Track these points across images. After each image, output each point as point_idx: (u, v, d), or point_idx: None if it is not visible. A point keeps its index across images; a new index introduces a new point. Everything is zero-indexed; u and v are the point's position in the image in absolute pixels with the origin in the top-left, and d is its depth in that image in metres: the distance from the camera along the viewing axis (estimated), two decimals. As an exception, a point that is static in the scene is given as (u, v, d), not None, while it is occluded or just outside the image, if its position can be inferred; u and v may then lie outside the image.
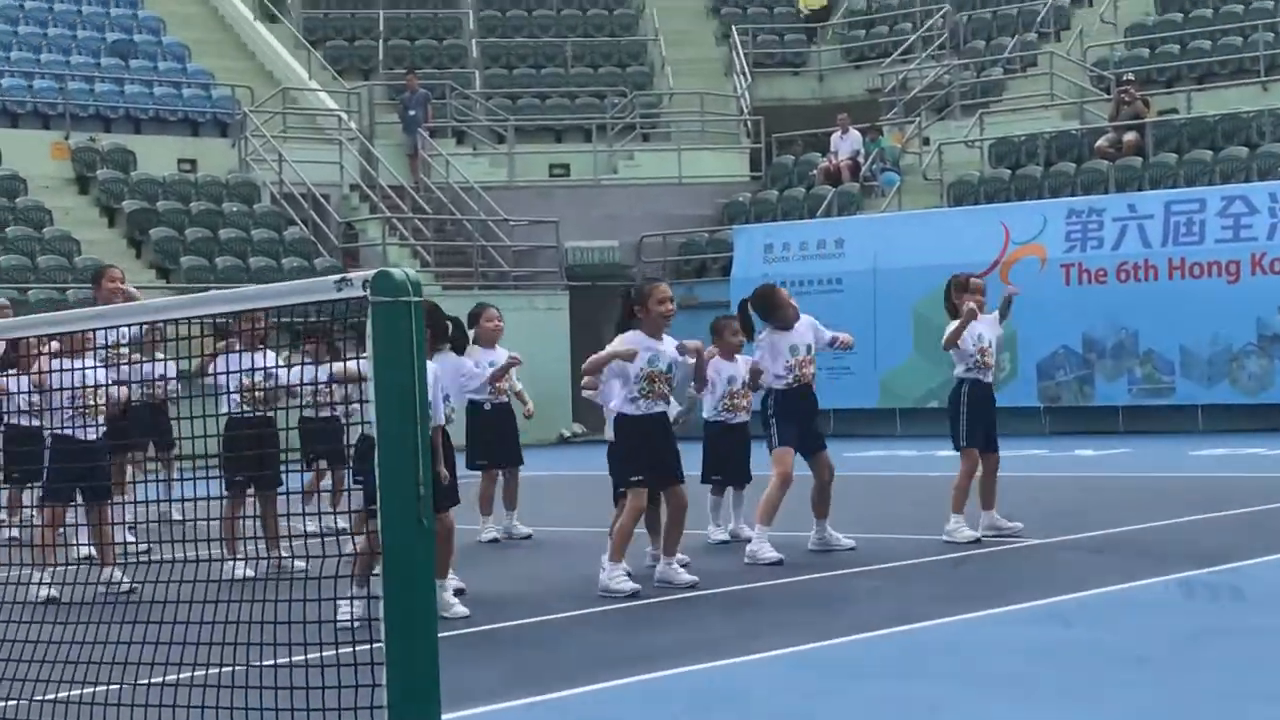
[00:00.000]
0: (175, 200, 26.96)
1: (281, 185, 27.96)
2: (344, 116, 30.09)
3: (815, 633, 8.29)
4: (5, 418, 12.76)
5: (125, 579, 9.59)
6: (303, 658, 5.23)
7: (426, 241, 28.38)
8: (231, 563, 9.99)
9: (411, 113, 30.04)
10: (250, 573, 10.02)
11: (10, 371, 11.87)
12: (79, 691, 5.84)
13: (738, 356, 11.93)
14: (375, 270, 4.97)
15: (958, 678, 7.09)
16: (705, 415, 12.03)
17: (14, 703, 5.93)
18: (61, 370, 9.72)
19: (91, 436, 10.17)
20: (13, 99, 28.16)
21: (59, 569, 9.90)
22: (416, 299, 4.96)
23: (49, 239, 24.95)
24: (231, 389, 10.35)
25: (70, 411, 10.08)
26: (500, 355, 12.66)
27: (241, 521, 10.61)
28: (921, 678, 7.16)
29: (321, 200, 27.84)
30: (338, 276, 5.05)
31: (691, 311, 25.02)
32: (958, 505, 11.59)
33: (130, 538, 11.12)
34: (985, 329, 11.84)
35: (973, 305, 11.67)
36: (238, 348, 10.27)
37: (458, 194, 29.17)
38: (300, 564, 10.06)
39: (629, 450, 9.83)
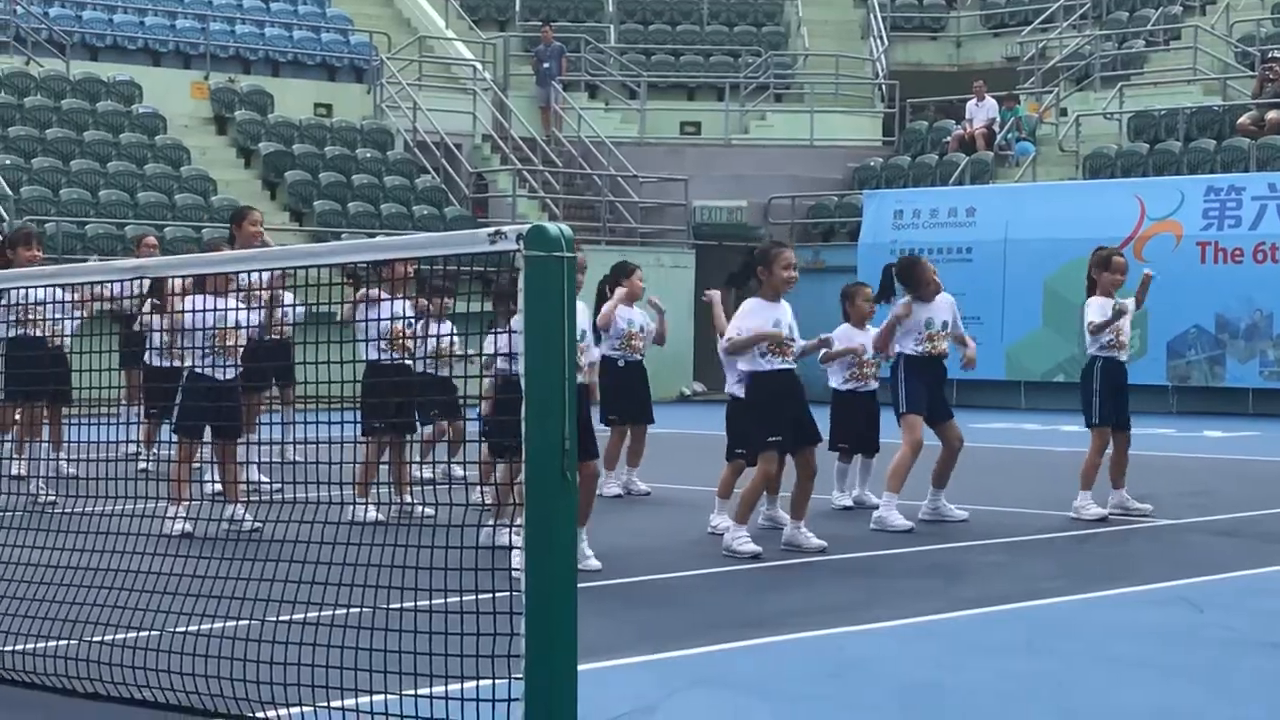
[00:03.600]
0: (310, 144, 27.26)
1: (415, 133, 28.18)
2: (479, 67, 30.24)
3: (938, 604, 8.27)
4: (147, 356, 13.06)
5: (250, 518, 9.74)
6: (441, 602, 5.31)
7: (556, 195, 28.48)
8: (362, 506, 10.12)
9: (546, 65, 30.13)
10: (380, 516, 10.13)
11: (150, 308, 12.06)
12: (210, 625, 5.97)
13: (868, 325, 11.90)
14: (529, 225, 5.02)
15: (1083, 657, 7.05)
16: (834, 384, 12.01)
17: (148, 634, 6.07)
18: (199, 311, 9.91)
19: (228, 375, 10.34)
20: (155, 37, 28.60)
21: (192, 504, 10.11)
22: (569, 254, 5.01)
23: (186, 177, 25.34)
24: (375, 335, 10.46)
25: (206, 350, 10.25)
26: (637, 313, 12.76)
27: (377, 466, 10.73)
28: (1047, 655, 7.12)
29: (454, 149, 28.04)
30: (492, 229, 5.11)
31: (818, 275, 24.97)
32: (1087, 483, 11.48)
33: (263, 478, 11.30)
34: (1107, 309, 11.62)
35: (1124, 306, 11.47)
36: (382, 294, 10.38)
37: (588, 148, 29.23)
38: (428, 511, 10.17)
39: (764, 410, 9.73)
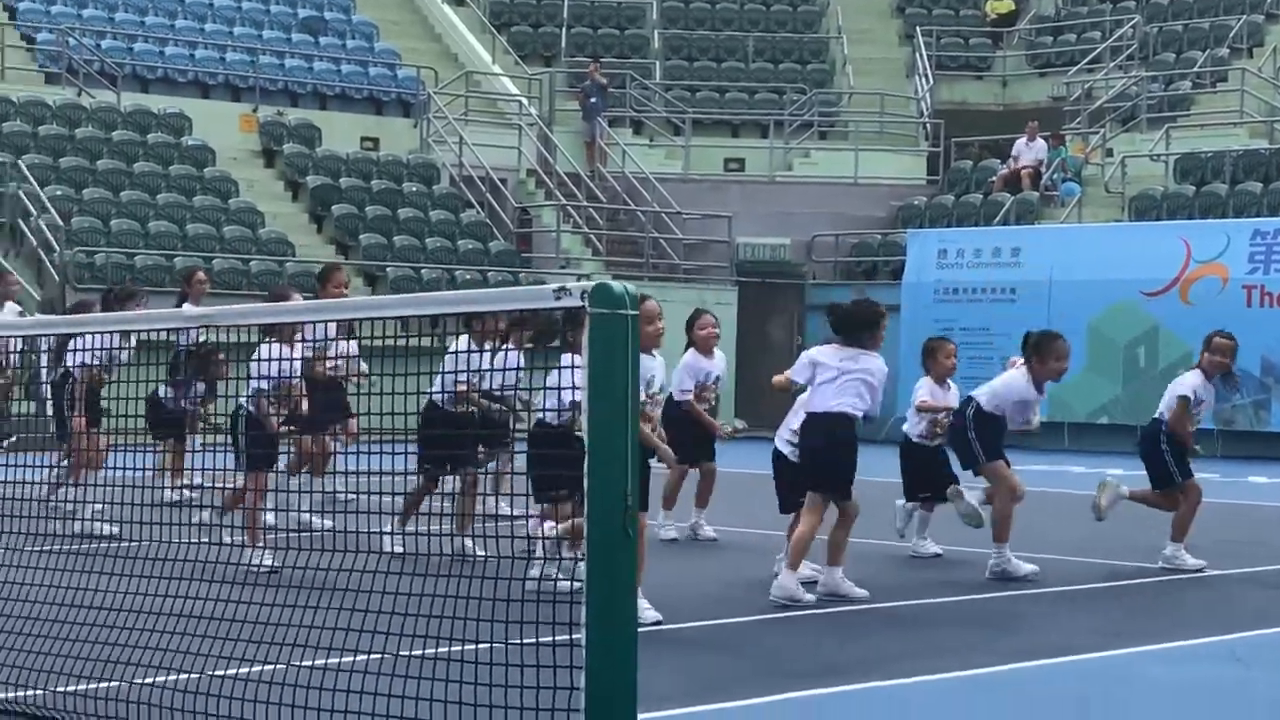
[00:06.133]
0: (357, 177, 27.44)
1: (460, 167, 28.34)
2: (524, 102, 30.42)
3: (987, 656, 8.25)
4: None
5: (270, 561, 9.58)
6: (502, 646, 5.34)
7: (599, 230, 28.59)
8: (389, 538, 10.00)
9: (591, 100, 30.27)
10: (401, 549, 9.98)
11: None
12: (257, 669, 5.99)
13: (950, 383, 11.73)
14: (595, 282, 5.08)
15: (1135, 715, 7.03)
16: (907, 429, 11.81)
17: (191, 676, 6.10)
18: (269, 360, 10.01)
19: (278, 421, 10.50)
20: (205, 70, 28.87)
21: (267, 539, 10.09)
22: (633, 312, 5.06)
23: (234, 210, 25.53)
24: (443, 385, 10.53)
25: (271, 395, 10.37)
26: (718, 361, 12.66)
27: (419, 501, 10.71)
28: (1098, 713, 7.10)
29: (499, 184, 28.18)
30: (556, 285, 5.16)
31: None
32: (1179, 534, 11.40)
33: (316, 519, 11.32)
34: (1204, 392, 11.47)
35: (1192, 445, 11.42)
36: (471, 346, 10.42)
37: (632, 184, 29.34)
38: (479, 552, 10.15)
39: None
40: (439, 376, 10.61)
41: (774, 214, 29.12)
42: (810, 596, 9.60)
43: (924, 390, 11.60)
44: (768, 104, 32.25)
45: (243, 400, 10.53)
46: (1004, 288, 24.93)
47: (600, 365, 5.01)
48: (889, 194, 29.94)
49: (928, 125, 31.47)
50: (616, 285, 5.06)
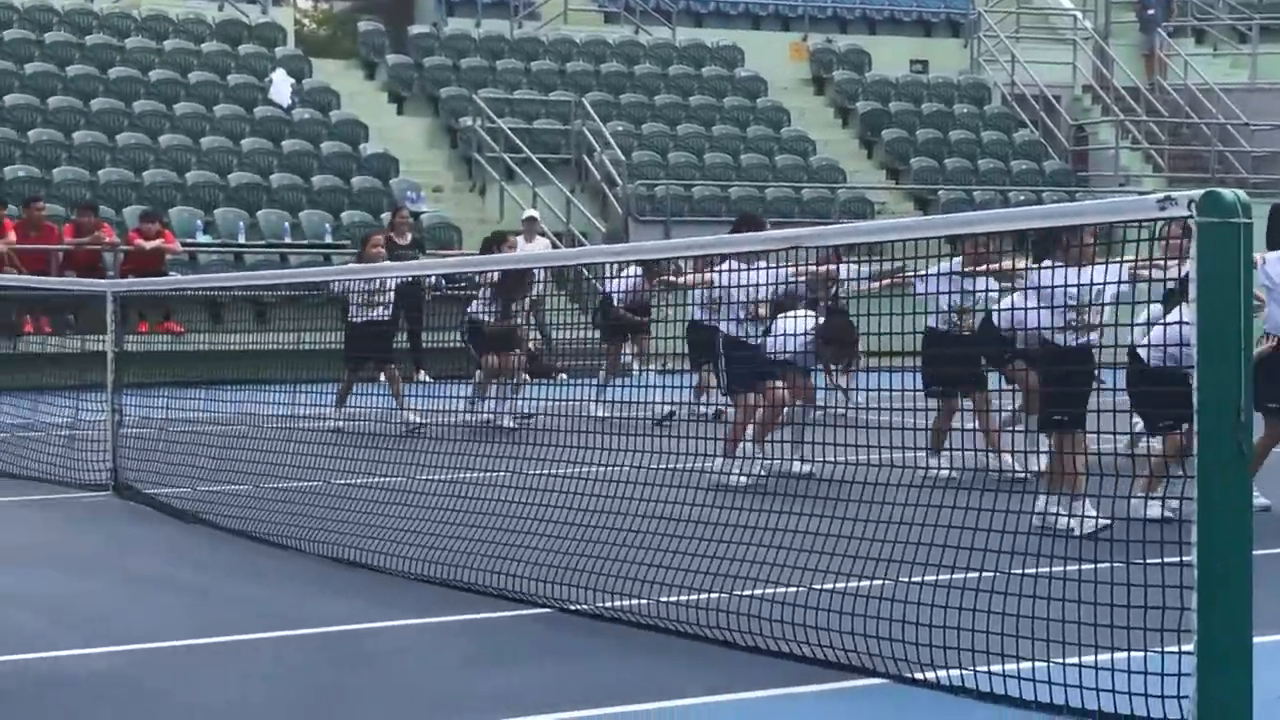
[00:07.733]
0: (907, 101, 27.34)
1: (1013, 86, 27.81)
2: (1079, 15, 29.55)
3: None
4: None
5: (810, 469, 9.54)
6: (1107, 567, 5.26)
7: (1160, 145, 27.53)
8: (935, 467, 9.87)
9: (1150, 11, 29.14)
10: (953, 474, 9.79)
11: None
12: (855, 584, 6.08)
13: None
14: (1203, 190, 4.88)
15: None
16: None
17: (795, 590, 6.24)
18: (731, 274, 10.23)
19: (756, 340, 10.75)
20: (755, 1, 29.33)
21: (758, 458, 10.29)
22: (1246, 220, 4.84)
23: (786, 139, 25.90)
24: (936, 308, 10.45)
25: (742, 315, 10.62)
26: None
27: (945, 428, 10.60)
28: None
29: (1053, 102, 27.52)
30: (1160, 195, 4.99)
31: None
32: None
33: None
34: None
35: None
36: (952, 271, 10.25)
37: (1195, 96, 28.10)
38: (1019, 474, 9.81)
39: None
40: (930, 299, 10.40)
41: (1352, 122, 27.32)
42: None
43: None
44: (1343, 4, 30.23)
45: (724, 325, 10.77)
46: None
47: (1211, 278, 4.82)
48: None
49: None
50: (1227, 193, 4.85)
